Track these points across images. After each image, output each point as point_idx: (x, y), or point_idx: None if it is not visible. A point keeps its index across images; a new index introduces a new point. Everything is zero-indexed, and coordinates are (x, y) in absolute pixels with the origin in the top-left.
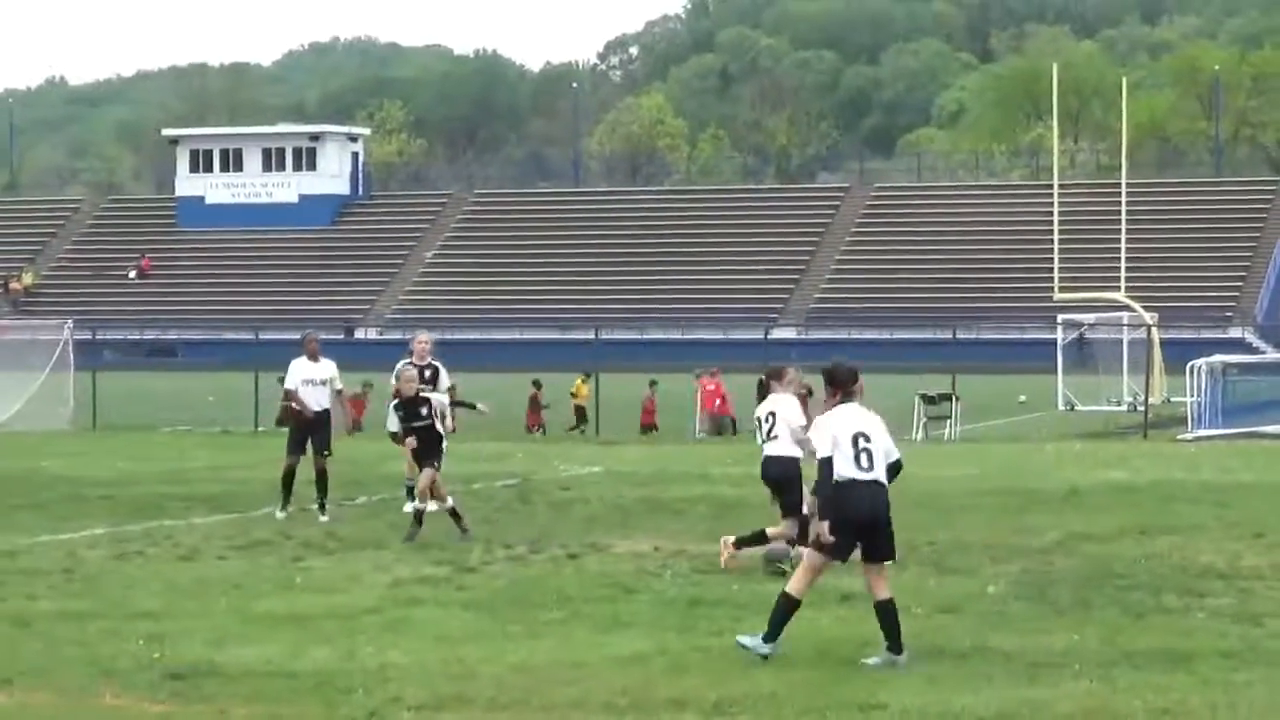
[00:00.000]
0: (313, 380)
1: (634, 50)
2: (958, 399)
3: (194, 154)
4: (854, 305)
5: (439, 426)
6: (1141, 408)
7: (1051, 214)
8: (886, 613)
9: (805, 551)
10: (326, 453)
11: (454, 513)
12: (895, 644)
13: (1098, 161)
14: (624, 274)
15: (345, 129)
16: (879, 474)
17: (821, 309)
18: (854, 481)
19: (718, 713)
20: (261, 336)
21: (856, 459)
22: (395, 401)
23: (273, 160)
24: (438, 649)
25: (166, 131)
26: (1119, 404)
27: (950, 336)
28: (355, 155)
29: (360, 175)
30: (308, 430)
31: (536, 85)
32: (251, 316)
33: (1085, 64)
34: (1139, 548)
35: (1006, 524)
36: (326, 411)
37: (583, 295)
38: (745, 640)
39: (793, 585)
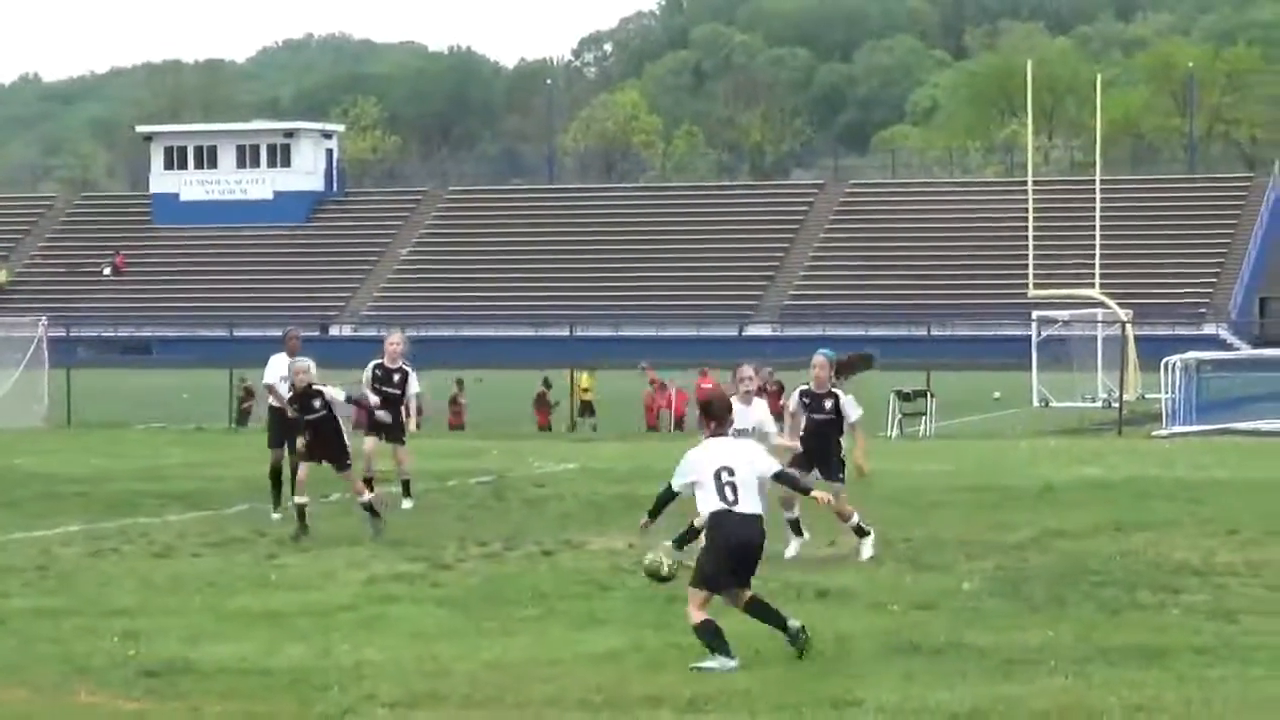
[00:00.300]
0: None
1: (608, 47)
2: (932, 395)
3: (168, 151)
4: (829, 302)
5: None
6: (1116, 404)
7: (1026, 210)
8: (758, 609)
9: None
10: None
11: (370, 507)
12: (785, 625)
13: (1072, 158)
14: (599, 270)
15: (320, 126)
16: (746, 506)
17: (796, 305)
18: (728, 513)
19: (692, 709)
20: (236, 333)
21: (720, 492)
22: (290, 395)
23: (247, 157)
24: (412, 646)
25: (141, 128)
26: (1094, 401)
27: (925, 333)
28: (330, 152)
29: (335, 172)
30: (289, 426)
31: (511, 82)
32: (227, 313)
33: (1059, 60)
34: (1114, 544)
35: (982, 520)
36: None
37: (558, 292)
38: (705, 665)
39: (695, 616)
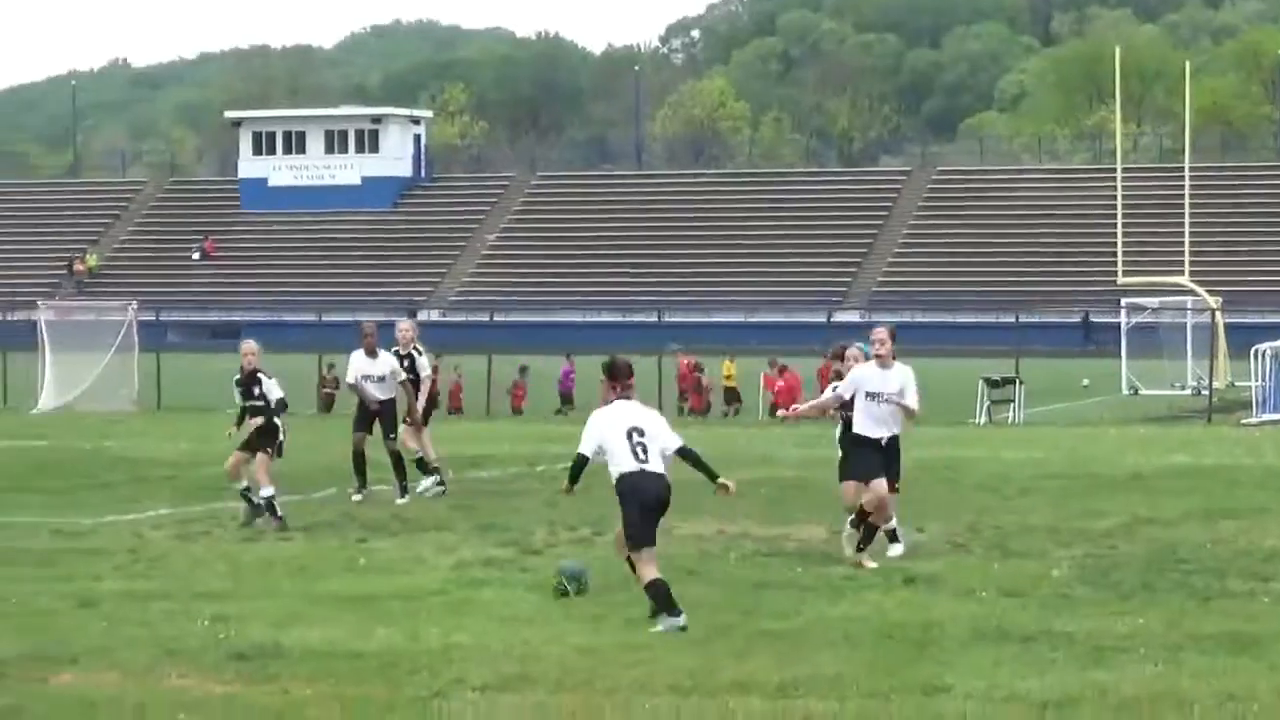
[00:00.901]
0: (371, 376)
1: (695, 33)
2: (1021, 382)
3: (257, 136)
4: (917, 288)
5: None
6: (1205, 392)
7: (1115, 198)
8: (656, 591)
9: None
10: (392, 436)
11: (270, 504)
12: (671, 608)
13: (1160, 145)
14: (686, 257)
15: (407, 111)
16: (654, 465)
17: (884, 292)
18: (642, 472)
19: (782, 695)
20: (324, 318)
21: (634, 452)
22: (237, 377)
23: (335, 142)
24: (502, 630)
25: (229, 114)
26: (1183, 388)
27: (1014, 320)
28: (417, 138)
29: (422, 158)
30: (374, 415)
31: (598, 68)
32: (314, 299)
33: (1148, 48)
34: (1203, 532)
35: (1070, 507)
36: (391, 400)
37: (645, 278)
38: (657, 628)
39: (647, 575)
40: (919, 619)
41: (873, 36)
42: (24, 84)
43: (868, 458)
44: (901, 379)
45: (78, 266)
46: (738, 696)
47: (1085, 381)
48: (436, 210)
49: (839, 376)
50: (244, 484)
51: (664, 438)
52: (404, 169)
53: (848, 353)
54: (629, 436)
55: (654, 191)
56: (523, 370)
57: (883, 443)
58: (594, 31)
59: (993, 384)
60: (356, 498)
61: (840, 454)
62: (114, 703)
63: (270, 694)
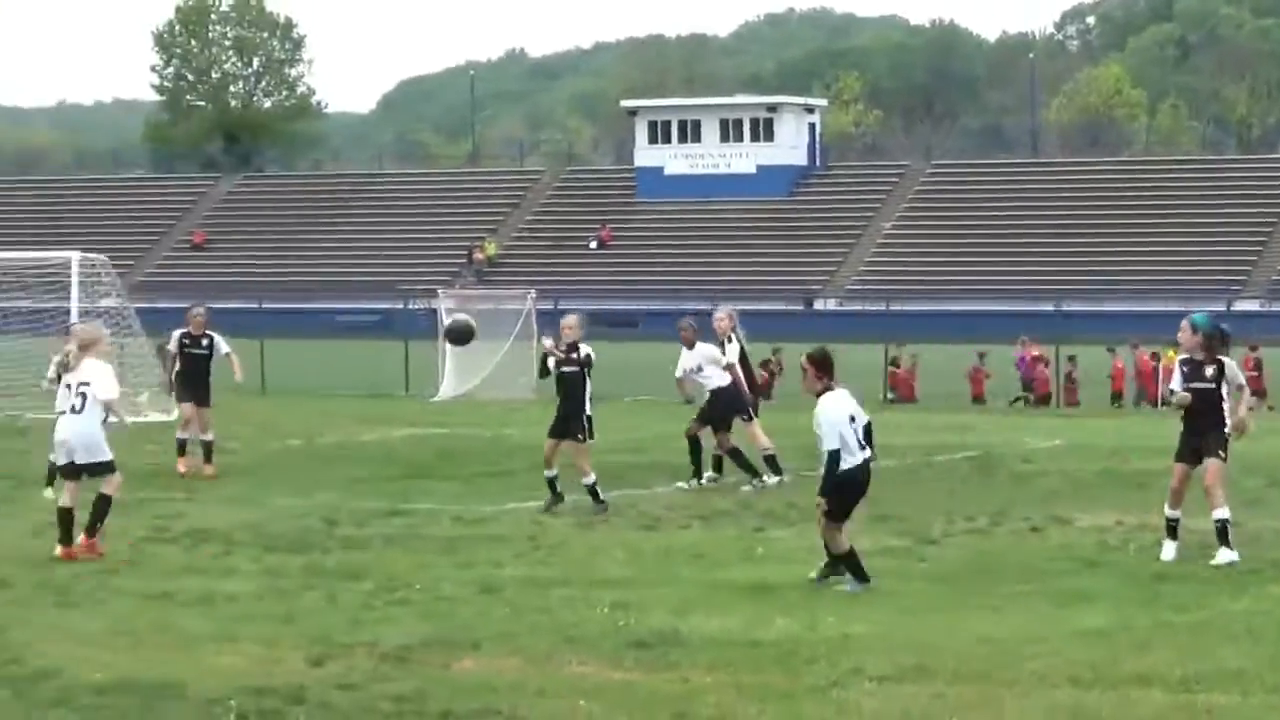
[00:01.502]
0: (690, 369)
1: (1091, 20)
2: None
3: (652, 125)
4: None
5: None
6: None
7: None
8: (852, 559)
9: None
10: (725, 428)
11: (592, 490)
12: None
13: None
14: (1082, 245)
15: (802, 100)
16: (869, 452)
17: None
18: (866, 461)
19: (1184, 689)
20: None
21: (857, 442)
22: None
23: (730, 131)
24: (899, 620)
25: (625, 103)
26: None
27: None
28: (812, 126)
29: (817, 146)
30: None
31: (993, 55)
32: (710, 288)
33: None
34: None
35: None
36: (719, 390)
37: (1040, 266)
38: (845, 587)
39: (841, 543)
40: None
41: (1271, 21)
42: (423, 74)
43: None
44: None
45: (476, 255)
46: (1139, 689)
47: None
48: (831, 199)
49: (1259, 366)
50: (553, 471)
51: (861, 420)
52: (799, 157)
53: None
54: (850, 420)
55: (1049, 179)
56: (981, 356)
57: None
58: (988, 19)
59: None
60: (685, 486)
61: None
62: (515, 688)
63: (669, 681)
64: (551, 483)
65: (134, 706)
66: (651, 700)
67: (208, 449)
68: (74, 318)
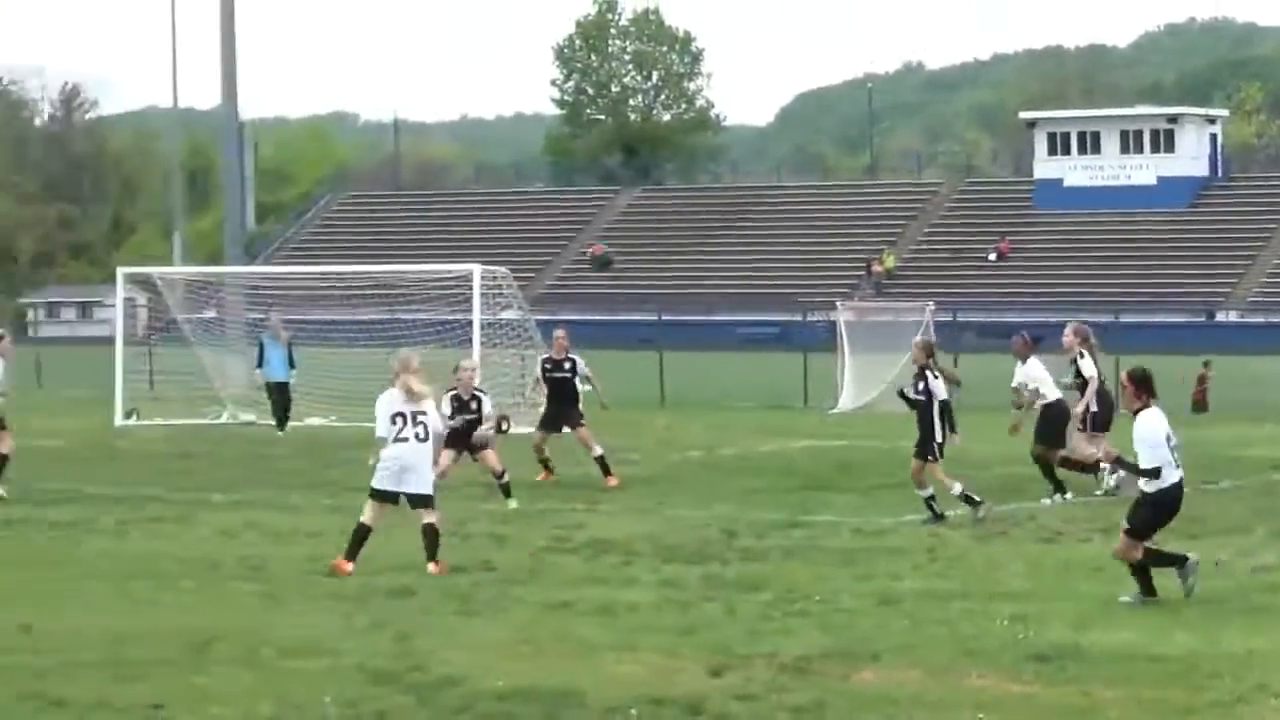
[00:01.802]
0: (1023, 385)
1: None
2: None
3: (1051, 136)
4: None
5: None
6: None
7: None
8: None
9: None
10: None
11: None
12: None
13: None
14: None
15: (1203, 111)
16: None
17: None
18: (1181, 480)
19: None
20: (1121, 319)
21: (1174, 460)
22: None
23: (1130, 142)
24: None
25: (1024, 114)
26: None
27: None
28: (1213, 137)
29: (1218, 157)
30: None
31: None
32: (1109, 299)
33: None
34: None
35: None
36: (1049, 405)
37: None
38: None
39: (1136, 555)
40: None
41: None
42: (821, 87)
43: None
44: None
45: (875, 267)
46: None
47: None
48: (1233, 210)
49: None
50: (929, 491)
51: (1174, 440)
52: (1200, 168)
53: None
54: (1167, 440)
55: None
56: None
57: None
58: None
59: None
60: (1047, 503)
61: None
62: (914, 700)
63: (1070, 695)
64: (928, 502)
65: (535, 714)
66: (1051, 714)
67: (602, 463)
68: (476, 330)
